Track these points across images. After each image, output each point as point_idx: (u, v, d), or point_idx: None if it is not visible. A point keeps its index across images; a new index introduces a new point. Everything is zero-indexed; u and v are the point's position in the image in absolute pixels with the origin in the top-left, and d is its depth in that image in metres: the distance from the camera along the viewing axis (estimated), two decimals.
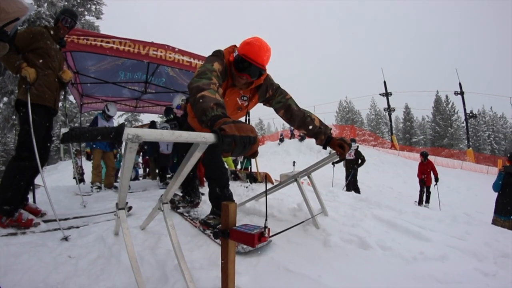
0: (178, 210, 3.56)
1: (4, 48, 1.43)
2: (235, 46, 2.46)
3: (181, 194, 3.89)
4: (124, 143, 1.16)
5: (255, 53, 2.27)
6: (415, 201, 10.96)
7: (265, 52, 2.31)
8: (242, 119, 3.04)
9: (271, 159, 20.95)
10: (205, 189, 3.89)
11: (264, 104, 2.80)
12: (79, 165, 8.79)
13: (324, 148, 2.68)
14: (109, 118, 6.40)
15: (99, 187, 6.03)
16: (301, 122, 2.66)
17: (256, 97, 2.66)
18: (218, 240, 2.49)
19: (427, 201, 10.84)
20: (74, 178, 6.51)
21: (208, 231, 2.81)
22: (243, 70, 2.32)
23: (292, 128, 26.55)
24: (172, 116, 6.92)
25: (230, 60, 2.37)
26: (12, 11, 1.30)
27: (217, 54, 2.35)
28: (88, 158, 6.44)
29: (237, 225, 1.47)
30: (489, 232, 3.06)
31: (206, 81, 1.78)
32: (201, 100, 1.57)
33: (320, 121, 2.70)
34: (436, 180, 10.54)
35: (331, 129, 2.69)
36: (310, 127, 2.65)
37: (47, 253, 2.39)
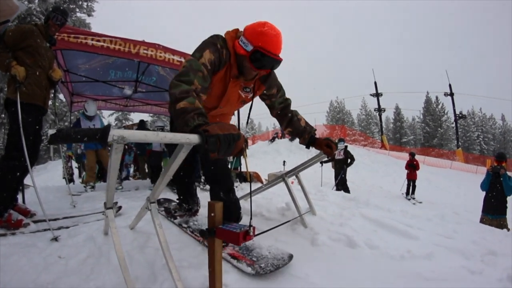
0: (175, 221, 3.11)
1: None
2: (237, 30, 2.17)
3: (176, 201, 3.48)
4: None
5: (273, 44, 2.00)
6: (403, 193, 12.90)
7: (281, 42, 2.05)
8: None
9: (261, 158, 20.95)
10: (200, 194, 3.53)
11: (263, 100, 2.62)
12: (69, 165, 8.69)
13: (307, 147, 2.70)
14: (90, 117, 6.18)
15: (93, 187, 5.98)
16: (289, 122, 2.66)
17: (262, 88, 2.42)
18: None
19: (413, 192, 12.71)
20: (64, 178, 6.45)
21: (223, 253, 2.38)
22: (262, 65, 2.04)
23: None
24: None
25: (236, 50, 2.07)
26: (2, 10, 1.30)
27: (212, 41, 2.06)
28: (78, 161, 6.32)
29: (223, 224, 1.49)
30: (477, 230, 3.12)
31: (186, 87, 1.70)
32: (180, 113, 1.55)
33: (305, 121, 2.71)
34: (417, 169, 12.69)
35: (315, 129, 2.71)
36: (296, 126, 2.65)
37: (37, 253, 2.37)
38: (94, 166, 6.34)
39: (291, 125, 2.66)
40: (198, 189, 3.55)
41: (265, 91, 2.48)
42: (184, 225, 2.95)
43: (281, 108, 2.63)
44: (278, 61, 2.07)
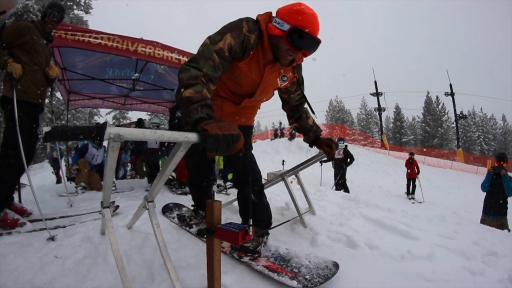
0: (191, 230, 2.78)
1: None
2: (270, 13, 2.01)
3: (191, 208, 3.11)
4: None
5: (312, 23, 1.85)
6: (405, 192, 13.16)
7: (318, 21, 1.89)
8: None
9: (260, 157, 20.92)
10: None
11: (283, 93, 2.45)
12: (70, 163, 8.64)
13: (311, 146, 2.66)
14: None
15: (84, 187, 5.93)
16: (298, 118, 2.60)
17: (292, 78, 2.27)
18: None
19: (413, 192, 12.94)
20: (66, 176, 6.41)
21: (245, 258, 2.18)
22: (301, 46, 1.89)
23: (281, 127, 26.66)
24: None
25: (270, 32, 1.92)
26: (1, 4, 1.27)
27: (238, 25, 1.90)
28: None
29: (222, 223, 1.48)
30: (478, 231, 3.09)
31: (194, 73, 1.64)
32: (186, 101, 1.50)
33: (313, 120, 2.67)
34: (418, 172, 12.94)
35: (321, 130, 2.68)
36: (303, 122, 2.60)
37: (33, 253, 2.35)
38: (86, 165, 6.24)
39: (299, 121, 2.60)
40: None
41: (299, 80, 2.33)
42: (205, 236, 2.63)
43: (296, 104, 2.52)
44: (317, 42, 1.91)
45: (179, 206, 3.53)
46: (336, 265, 2.02)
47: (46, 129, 1.06)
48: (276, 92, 2.43)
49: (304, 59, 2.10)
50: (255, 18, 1.99)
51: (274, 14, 1.99)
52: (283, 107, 2.60)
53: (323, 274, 1.93)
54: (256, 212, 2.37)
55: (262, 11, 2.04)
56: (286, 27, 1.84)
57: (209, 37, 1.85)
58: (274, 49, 1.97)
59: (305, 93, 2.41)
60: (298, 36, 1.84)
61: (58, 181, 12.13)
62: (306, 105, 2.57)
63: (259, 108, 2.58)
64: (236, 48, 1.86)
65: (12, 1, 1.32)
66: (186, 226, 2.85)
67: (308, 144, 2.69)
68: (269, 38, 1.95)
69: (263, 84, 2.12)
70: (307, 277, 1.91)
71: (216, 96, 2.27)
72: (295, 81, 2.31)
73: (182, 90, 1.56)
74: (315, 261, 2.10)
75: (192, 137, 1.23)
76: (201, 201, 2.88)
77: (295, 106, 2.53)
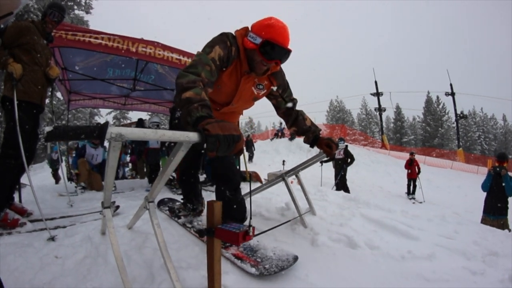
0: (179, 220, 3.12)
1: None
2: (247, 28, 2.21)
3: (180, 201, 3.45)
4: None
5: (281, 35, 2.06)
6: (405, 192, 13.17)
7: (288, 33, 2.11)
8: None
9: (261, 158, 21.01)
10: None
11: (270, 99, 2.64)
12: (71, 164, 8.63)
13: (311, 146, 2.65)
14: (95, 146, 6.38)
15: (84, 188, 5.92)
16: (294, 121, 2.64)
17: (274, 83, 2.46)
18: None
19: (413, 191, 12.92)
20: (68, 177, 6.38)
21: (226, 253, 2.32)
22: (272, 56, 2.08)
23: (282, 127, 26.70)
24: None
25: (246, 45, 2.11)
26: (4, 4, 1.27)
27: (222, 38, 2.11)
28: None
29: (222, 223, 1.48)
30: (478, 231, 3.09)
31: (193, 77, 1.73)
32: (186, 102, 1.56)
33: (311, 121, 2.69)
34: (419, 172, 13.00)
35: (320, 130, 2.68)
36: (300, 125, 2.63)
37: (33, 253, 2.35)
38: (86, 164, 6.22)
39: (296, 124, 2.65)
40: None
41: (273, 88, 2.48)
42: (188, 225, 2.96)
43: (287, 108, 2.62)
44: (287, 52, 2.11)
45: (172, 200, 3.94)
46: (295, 258, 2.18)
47: (48, 128, 1.06)
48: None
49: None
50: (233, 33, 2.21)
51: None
52: (278, 114, 2.72)
53: (281, 265, 2.09)
54: (230, 207, 2.53)
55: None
56: (258, 40, 2.05)
57: (202, 50, 2.03)
58: (250, 61, 2.17)
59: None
60: (269, 48, 2.04)
61: (57, 182, 12.13)
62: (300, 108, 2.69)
63: (241, 114, 2.83)
64: (224, 58, 2.05)
65: (16, 1, 1.32)
66: (175, 217, 3.19)
67: (308, 145, 2.69)
68: (245, 51, 2.15)
69: (239, 93, 2.29)
70: (267, 266, 2.09)
71: None
72: (281, 86, 2.51)
73: (182, 93, 1.63)
74: (279, 254, 2.26)
75: (193, 136, 1.23)
76: (188, 196, 3.16)
77: (287, 110, 2.63)
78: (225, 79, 2.17)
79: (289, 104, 2.60)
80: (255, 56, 2.10)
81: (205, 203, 3.04)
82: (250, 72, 2.21)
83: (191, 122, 1.47)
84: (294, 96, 2.65)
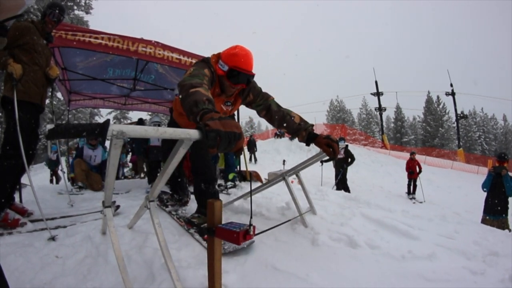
0: (167, 209, 3.53)
1: (2, 42, 1.40)
2: (218, 55, 2.51)
3: (170, 192, 3.98)
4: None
5: (244, 63, 2.37)
6: (406, 192, 13.06)
7: (251, 59, 2.43)
8: None
9: (261, 157, 21.02)
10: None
11: (246, 106, 2.86)
12: (70, 164, 8.61)
13: (307, 144, 2.61)
14: (93, 147, 6.31)
15: (81, 187, 5.88)
16: (281, 121, 2.66)
17: (239, 101, 2.75)
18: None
19: (414, 191, 12.84)
20: (68, 179, 6.35)
21: (192, 230, 2.78)
22: (238, 81, 2.41)
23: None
24: None
25: (217, 72, 2.42)
26: (9, 5, 1.27)
27: (206, 62, 2.43)
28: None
29: (223, 223, 1.47)
30: (478, 231, 3.09)
31: (199, 81, 1.85)
32: (194, 94, 1.64)
33: (300, 118, 2.65)
34: (420, 171, 12.93)
35: (312, 125, 2.65)
36: (290, 124, 2.62)
37: (34, 253, 2.36)
38: (83, 163, 6.16)
39: (284, 123, 2.67)
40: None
41: (242, 101, 2.77)
42: (174, 213, 3.36)
43: (263, 109, 2.75)
44: (251, 76, 2.45)
45: (164, 192, 4.23)
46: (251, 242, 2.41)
47: (49, 126, 1.07)
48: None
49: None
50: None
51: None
52: (261, 117, 2.84)
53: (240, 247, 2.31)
54: (202, 198, 2.95)
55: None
56: (225, 68, 2.38)
57: (193, 68, 2.22)
58: (221, 85, 2.49)
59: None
60: (235, 74, 2.37)
61: (57, 182, 12.13)
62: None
63: None
64: (211, 80, 2.27)
65: (20, 1, 1.31)
66: (163, 206, 3.65)
67: (305, 144, 2.66)
68: (218, 76, 2.45)
69: None
70: (226, 247, 2.30)
71: (180, 113, 2.88)
72: (252, 94, 2.72)
73: (190, 88, 1.72)
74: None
75: (194, 134, 1.23)
76: (175, 188, 3.84)
77: (267, 112, 2.74)
78: None
79: (266, 104, 2.74)
80: (224, 80, 2.43)
81: (190, 195, 3.79)
82: (221, 94, 2.54)
83: (196, 111, 1.51)
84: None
